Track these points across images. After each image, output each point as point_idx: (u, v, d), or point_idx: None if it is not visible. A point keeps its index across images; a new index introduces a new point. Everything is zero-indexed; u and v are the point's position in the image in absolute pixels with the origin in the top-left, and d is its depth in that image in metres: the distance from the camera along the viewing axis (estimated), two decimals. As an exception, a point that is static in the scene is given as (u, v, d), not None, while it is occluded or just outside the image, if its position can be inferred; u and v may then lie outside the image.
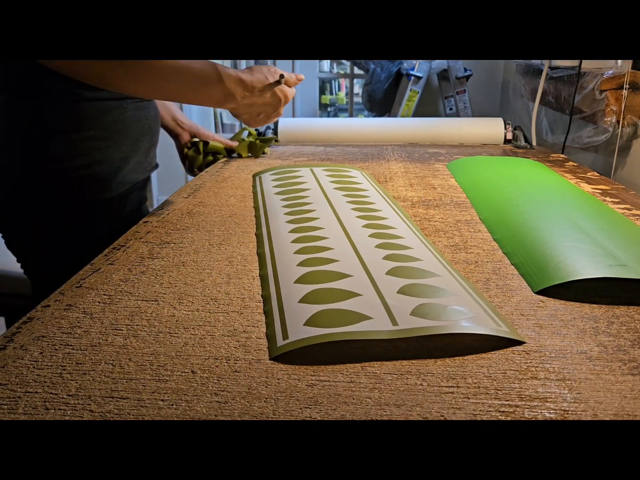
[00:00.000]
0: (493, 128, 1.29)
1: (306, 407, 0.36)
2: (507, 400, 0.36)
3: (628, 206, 0.78)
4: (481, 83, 1.99)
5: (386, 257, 0.55)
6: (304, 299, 0.46)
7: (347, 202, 0.75)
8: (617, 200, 0.82)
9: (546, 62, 1.29)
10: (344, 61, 3.56)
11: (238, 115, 0.79)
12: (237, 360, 0.41)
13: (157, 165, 0.92)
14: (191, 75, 0.68)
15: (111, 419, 0.34)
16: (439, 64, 1.85)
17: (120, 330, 0.45)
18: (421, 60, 1.83)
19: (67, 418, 0.34)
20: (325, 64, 4.21)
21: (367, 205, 0.74)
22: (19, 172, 0.74)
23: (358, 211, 0.71)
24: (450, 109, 1.91)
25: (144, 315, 0.47)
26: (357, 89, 3.19)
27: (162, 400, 0.36)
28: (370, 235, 0.62)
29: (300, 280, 0.50)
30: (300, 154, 1.17)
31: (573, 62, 1.19)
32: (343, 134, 1.30)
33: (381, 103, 1.99)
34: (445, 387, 0.38)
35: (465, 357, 0.41)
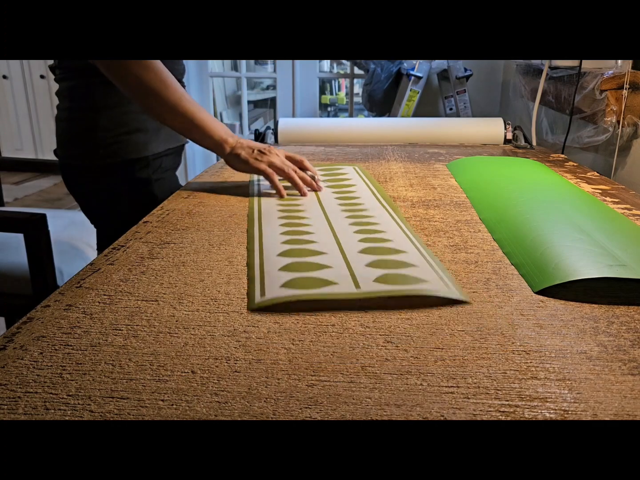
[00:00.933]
0: (493, 128, 1.29)
1: (306, 407, 0.36)
2: (507, 400, 0.36)
3: (628, 206, 0.78)
4: (481, 83, 1.99)
5: (361, 240, 0.63)
6: (283, 268, 0.55)
7: (332, 192, 0.85)
8: (617, 200, 0.82)
9: (546, 62, 1.29)
10: (344, 61, 3.56)
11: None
12: (237, 360, 0.41)
13: None
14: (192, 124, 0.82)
15: (111, 419, 0.34)
16: (439, 64, 1.85)
17: (120, 330, 0.45)
18: (421, 60, 1.83)
19: (67, 418, 0.34)
20: (325, 64, 4.22)
21: (350, 195, 0.83)
22: (78, 140, 0.94)
23: (341, 200, 0.80)
24: (450, 109, 1.90)
25: (144, 315, 0.47)
26: (357, 89, 3.19)
27: (162, 400, 0.36)
28: (351, 224, 0.69)
29: (282, 254, 0.59)
30: (300, 154, 1.16)
31: (573, 62, 1.19)
32: (343, 134, 1.30)
33: (381, 103, 1.98)
34: (445, 387, 0.38)
35: (466, 357, 0.41)
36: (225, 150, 0.83)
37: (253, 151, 0.84)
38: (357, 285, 0.51)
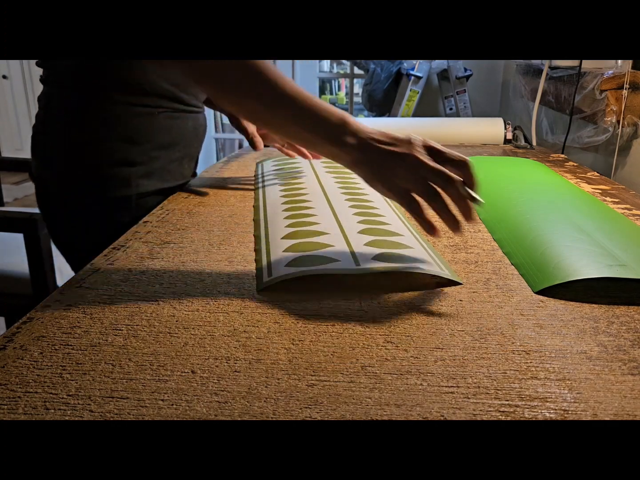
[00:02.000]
0: (493, 128, 1.29)
1: (306, 407, 0.36)
2: (507, 400, 0.36)
3: (628, 206, 0.78)
4: (481, 83, 1.99)
5: (360, 222, 0.65)
6: (287, 249, 0.57)
7: (335, 181, 0.85)
8: (617, 200, 0.82)
9: (546, 62, 1.29)
10: (344, 61, 3.56)
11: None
12: (237, 360, 0.41)
13: (193, 175, 0.92)
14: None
15: (111, 419, 0.34)
16: (439, 64, 1.85)
17: (120, 330, 0.45)
18: (421, 60, 1.83)
19: (67, 418, 0.34)
20: (325, 64, 4.21)
21: (351, 182, 0.84)
22: (51, 161, 0.78)
23: (342, 185, 0.82)
24: (450, 109, 1.90)
25: (144, 315, 0.47)
26: (357, 88, 3.19)
27: (162, 400, 0.36)
28: (351, 206, 0.71)
29: (286, 237, 0.61)
30: (300, 154, 1.16)
31: (573, 62, 1.18)
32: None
33: (381, 103, 1.98)
34: (445, 387, 0.38)
35: (466, 357, 0.41)
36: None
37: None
38: (357, 262, 0.53)
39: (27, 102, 3.86)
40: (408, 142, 0.52)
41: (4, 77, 3.80)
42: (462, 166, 0.52)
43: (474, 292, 0.52)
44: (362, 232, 0.62)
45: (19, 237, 1.12)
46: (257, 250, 0.60)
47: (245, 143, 2.65)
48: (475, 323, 0.46)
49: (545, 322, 0.46)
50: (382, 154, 0.52)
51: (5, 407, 0.35)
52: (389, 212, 0.71)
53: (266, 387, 0.38)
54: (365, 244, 0.58)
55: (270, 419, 0.35)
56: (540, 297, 0.51)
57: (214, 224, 0.70)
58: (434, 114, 2.02)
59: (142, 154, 0.78)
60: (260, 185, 0.87)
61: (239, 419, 0.35)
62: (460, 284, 0.53)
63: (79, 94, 0.75)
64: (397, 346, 0.43)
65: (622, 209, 0.77)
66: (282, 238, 0.61)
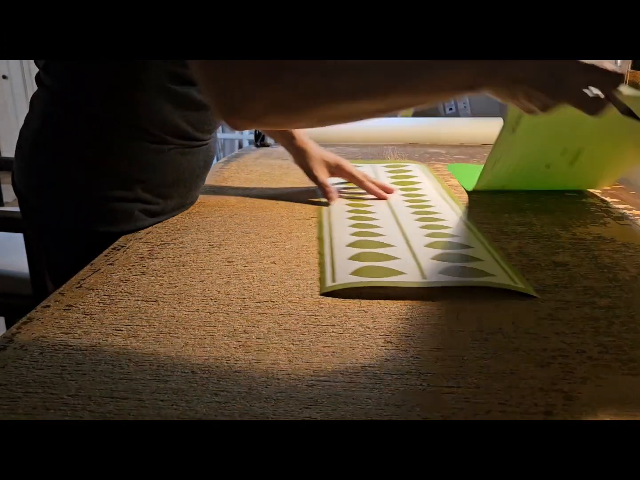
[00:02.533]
0: (493, 128, 1.29)
1: (306, 408, 0.36)
2: (507, 401, 0.36)
3: (628, 206, 0.78)
4: (481, 83, 1.99)
5: (427, 235, 0.65)
6: (352, 258, 0.58)
7: (401, 193, 0.84)
8: (617, 200, 0.82)
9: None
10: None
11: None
12: (237, 360, 0.41)
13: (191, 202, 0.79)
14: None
15: (111, 419, 0.34)
16: (439, 63, 1.85)
17: (120, 330, 0.45)
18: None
19: (67, 418, 0.34)
20: (325, 64, 4.21)
21: (416, 192, 0.84)
22: (41, 191, 0.68)
23: (407, 197, 0.82)
24: (450, 109, 1.90)
25: (144, 316, 0.47)
26: (357, 89, 3.19)
27: (162, 400, 0.36)
28: (417, 219, 0.71)
29: (351, 245, 0.62)
30: (300, 154, 1.16)
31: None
32: (343, 133, 1.30)
33: (381, 103, 1.98)
34: (446, 387, 0.38)
35: (466, 357, 0.41)
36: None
37: None
38: (423, 276, 0.54)
39: (27, 102, 3.86)
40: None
41: (4, 77, 3.80)
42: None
43: (474, 292, 0.52)
44: (429, 245, 0.62)
45: (19, 237, 1.12)
46: (321, 253, 0.61)
47: (245, 143, 2.63)
48: (475, 323, 0.46)
49: (545, 322, 0.46)
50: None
51: (5, 407, 0.35)
52: (456, 223, 0.70)
53: (266, 387, 0.38)
54: (433, 258, 0.58)
55: (270, 419, 0.35)
56: (541, 297, 0.51)
57: (214, 224, 0.70)
58: (434, 114, 2.02)
59: (146, 192, 0.68)
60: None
61: (239, 419, 0.35)
62: (534, 296, 0.51)
63: (84, 117, 0.65)
64: (397, 346, 0.43)
65: (623, 208, 0.77)
66: (347, 246, 0.62)
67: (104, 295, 0.50)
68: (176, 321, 0.46)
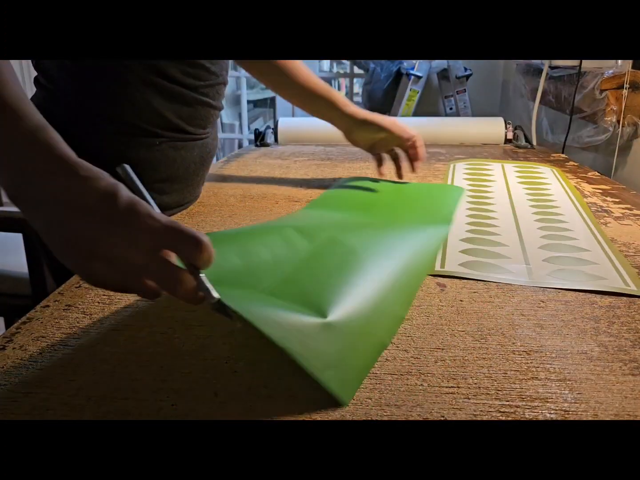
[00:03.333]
0: (493, 128, 1.29)
1: (306, 408, 0.36)
2: (508, 401, 0.36)
3: (629, 206, 0.78)
4: (481, 83, 1.99)
5: (543, 237, 0.66)
6: (463, 251, 0.61)
7: (525, 192, 0.85)
8: (617, 200, 0.82)
9: (546, 62, 1.29)
10: (344, 61, 3.56)
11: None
12: (237, 360, 0.41)
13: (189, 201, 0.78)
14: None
15: (111, 419, 0.34)
16: (439, 63, 1.85)
17: (120, 330, 0.45)
18: (421, 60, 1.83)
19: (66, 418, 0.34)
20: (325, 63, 4.21)
21: (542, 192, 0.85)
22: None
23: (532, 199, 0.81)
24: (450, 109, 1.90)
25: (144, 316, 0.47)
26: (357, 88, 3.19)
27: (162, 400, 0.36)
28: (537, 220, 0.72)
29: (465, 240, 0.64)
30: (300, 153, 1.17)
31: (573, 62, 1.18)
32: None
33: (381, 102, 1.98)
34: (446, 387, 0.38)
35: (466, 358, 0.41)
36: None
37: None
38: (530, 277, 0.55)
39: (27, 102, 3.86)
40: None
41: (4, 76, 3.80)
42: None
43: (474, 292, 0.52)
44: (542, 247, 0.62)
45: (19, 237, 1.12)
46: None
47: (245, 143, 2.63)
48: (475, 323, 0.46)
49: (546, 323, 0.46)
50: None
51: (5, 407, 0.35)
52: (579, 226, 0.70)
53: (266, 387, 0.38)
54: (544, 260, 0.59)
55: (270, 419, 0.35)
56: (541, 297, 0.51)
57: (214, 224, 0.70)
58: (434, 113, 2.02)
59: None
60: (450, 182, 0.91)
61: (239, 419, 0.35)
62: None
63: (74, 113, 0.65)
64: (397, 346, 0.43)
65: (623, 208, 0.77)
66: (460, 240, 0.64)
67: (104, 295, 0.50)
68: (176, 321, 0.46)
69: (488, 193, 0.85)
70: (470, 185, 0.89)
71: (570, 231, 0.68)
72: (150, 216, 0.35)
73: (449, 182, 0.92)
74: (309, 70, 0.81)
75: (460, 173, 0.97)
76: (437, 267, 0.57)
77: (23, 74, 3.84)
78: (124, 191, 0.37)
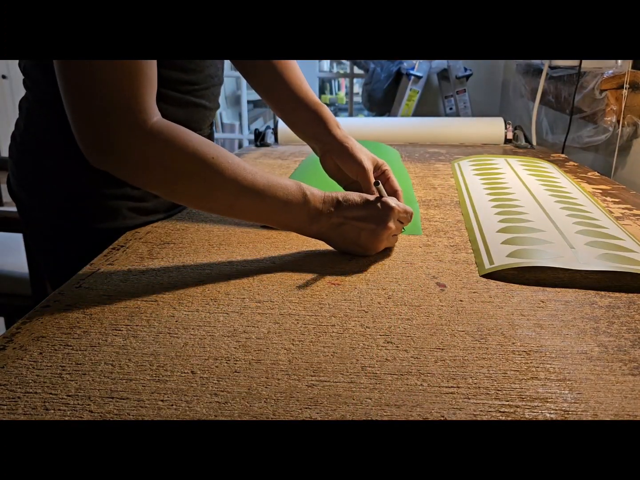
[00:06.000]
0: (493, 128, 1.29)
1: (306, 408, 0.36)
2: (508, 401, 0.36)
3: (629, 206, 0.78)
4: (481, 83, 1.99)
5: (576, 223, 0.67)
6: (505, 242, 0.61)
7: (539, 183, 0.86)
8: (617, 200, 0.82)
9: (546, 62, 1.29)
10: (343, 61, 3.56)
11: (329, 240, 0.60)
12: (237, 360, 0.41)
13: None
14: (272, 193, 0.54)
15: (111, 419, 0.34)
16: (439, 63, 1.85)
17: (120, 330, 0.45)
18: (421, 60, 1.83)
19: (66, 418, 0.34)
20: (325, 63, 4.22)
21: (555, 184, 0.86)
22: (31, 198, 0.70)
23: (548, 189, 0.82)
24: (450, 109, 1.90)
25: (143, 316, 0.47)
26: (357, 88, 3.19)
27: (162, 400, 0.36)
28: (562, 208, 0.73)
29: (501, 230, 0.65)
30: (300, 153, 1.17)
31: (573, 62, 1.18)
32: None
33: (381, 103, 1.98)
34: (446, 387, 0.38)
35: (466, 358, 0.41)
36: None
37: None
38: (580, 260, 0.55)
39: (27, 102, 3.86)
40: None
41: (4, 77, 3.80)
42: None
43: (474, 292, 0.52)
44: (579, 232, 0.63)
45: (19, 237, 1.12)
46: (472, 240, 0.64)
47: (245, 143, 2.63)
48: (475, 323, 0.46)
49: (546, 323, 0.46)
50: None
51: (5, 407, 0.35)
52: (602, 216, 0.71)
53: (266, 387, 0.38)
54: (586, 244, 0.59)
55: (270, 419, 0.35)
56: (541, 297, 0.51)
57: (214, 224, 0.70)
58: (434, 113, 2.02)
59: (135, 188, 0.67)
60: (461, 182, 0.91)
61: (239, 419, 0.35)
62: None
63: (61, 114, 0.58)
64: (397, 346, 0.43)
65: (623, 208, 0.77)
66: (497, 232, 0.65)
67: (104, 295, 0.50)
68: (176, 321, 0.46)
69: (504, 184, 0.85)
70: (483, 179, 0.90)
71: (598, 220, 0.68)
72: (368, 200, 0.59)
73: (460, 179, 0.93)
74: (303, 79, 0.75)
75: (468, 169, 0.98)
76: (487, 266, 0.56)
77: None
78: (326, 193, 0.58)
